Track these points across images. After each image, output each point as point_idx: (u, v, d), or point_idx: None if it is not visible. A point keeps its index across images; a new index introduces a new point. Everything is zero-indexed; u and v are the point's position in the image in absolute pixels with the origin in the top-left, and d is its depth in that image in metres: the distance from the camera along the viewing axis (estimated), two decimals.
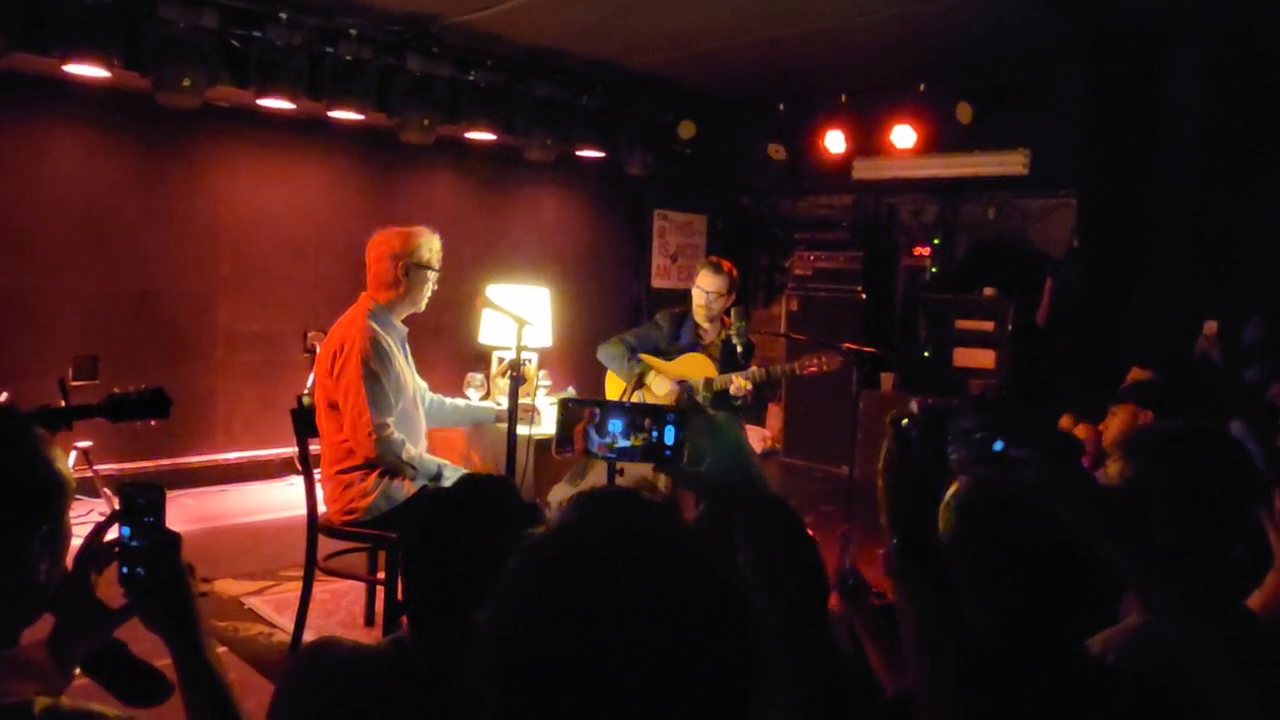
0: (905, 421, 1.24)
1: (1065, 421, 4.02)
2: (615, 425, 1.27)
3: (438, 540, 1.57)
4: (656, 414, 1.25)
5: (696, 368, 4.61)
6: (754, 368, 4.52)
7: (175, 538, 1.33)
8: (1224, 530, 1.66)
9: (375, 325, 3.66)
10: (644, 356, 4.68)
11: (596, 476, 4.24)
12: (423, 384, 3.98)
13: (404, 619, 3.81)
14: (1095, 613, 1.36)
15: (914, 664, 1.26)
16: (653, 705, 0.79)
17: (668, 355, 4.70)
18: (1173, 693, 1.25)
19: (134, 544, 1.30)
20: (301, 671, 1.61)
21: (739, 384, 4.44)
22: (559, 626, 0.81)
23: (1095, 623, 1.47)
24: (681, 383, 4.57)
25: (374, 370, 3.56)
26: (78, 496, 5.20)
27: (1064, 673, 1.29)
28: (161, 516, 1.31)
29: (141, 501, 1.30)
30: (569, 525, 0.88)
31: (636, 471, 4.79)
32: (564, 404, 1.31)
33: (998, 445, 1.20)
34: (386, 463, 3.59)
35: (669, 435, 1.23)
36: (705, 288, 4.61)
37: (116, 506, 1.35)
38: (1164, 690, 1.27)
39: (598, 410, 1.28)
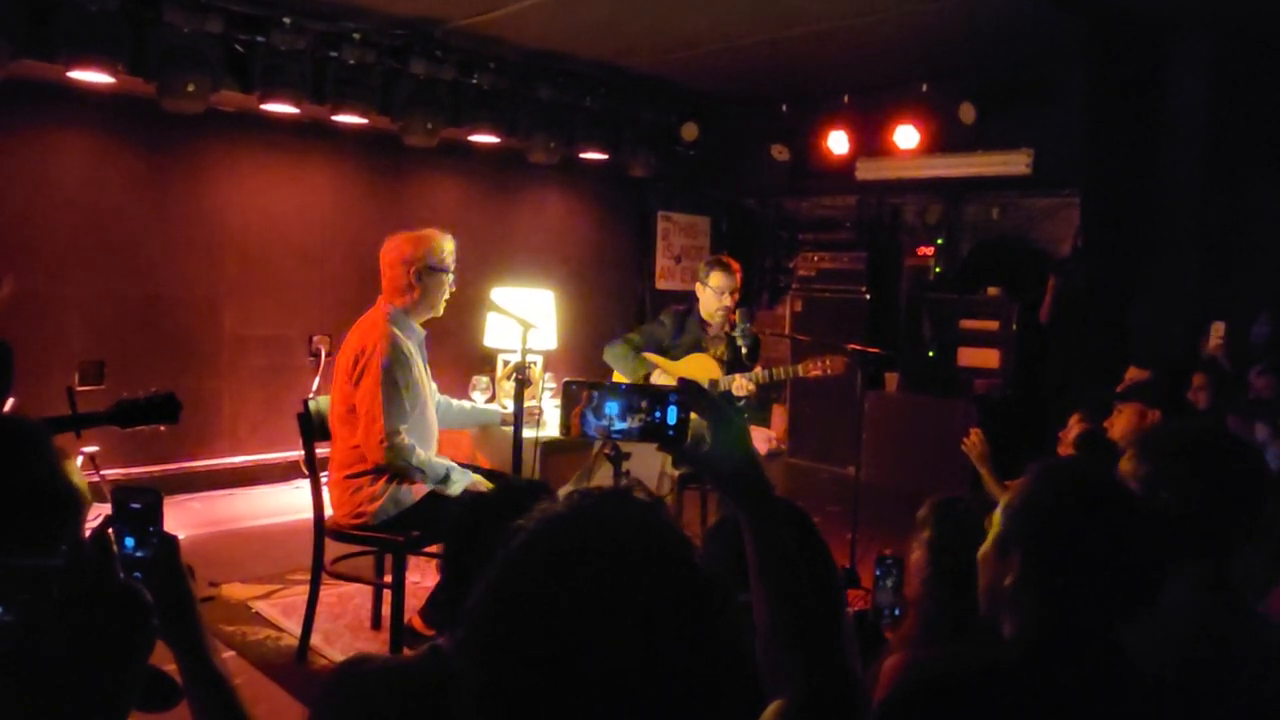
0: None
1: (1073, 421, 4.02)
2: (612, 407, 1.26)
3: (484, 535, 1.57)
4: (656, 394, 1.24)
5: (701, 369, 4.62)
6: (757, 369, 4.53)
7: (173, 541, 1.32)
8: (1239, 532, 1.66)
9: (396, 330, 3.66)
10: (649, 355, 4.70)
11: (604, 478, 4.24)
12: (433, 385, 3.99)
13: (414, 620, 3.80)
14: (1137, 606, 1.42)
15: None
16: (619, 695, 0.81)
17: (672, 352, 4.72)
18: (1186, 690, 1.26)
19: (138, 554, 1.28)
20: (337, 690, 1.58)
21: (741, 383, 4.46)
22: (532, 612, 0.83)
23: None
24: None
25: (394, 376, 3.56)
26: None
27: (1102, 676, 1.31)
28: (160, 522, 1.28)
29: (138, 507, 1.27)
30: (554, 517, 0.89)
31: (643, 473, 4.80)
32: (567, 385, 1.29)
33: None
34: (396, 468, 3.60)
35: (671, 415, 1.22)
36: (716, 287, 4.64)
37: (111, 514, 1.33)
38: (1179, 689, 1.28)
39: (596, 394, 1.27)
